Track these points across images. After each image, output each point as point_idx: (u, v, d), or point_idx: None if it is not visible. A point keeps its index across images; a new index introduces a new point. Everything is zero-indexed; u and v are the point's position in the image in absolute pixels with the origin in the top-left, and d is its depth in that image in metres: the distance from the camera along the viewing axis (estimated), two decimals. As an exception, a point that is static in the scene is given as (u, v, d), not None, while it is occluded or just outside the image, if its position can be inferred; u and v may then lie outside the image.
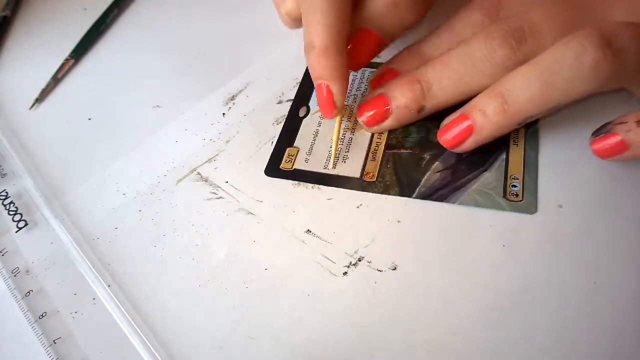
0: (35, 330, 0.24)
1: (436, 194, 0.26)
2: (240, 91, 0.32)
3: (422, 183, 0.26)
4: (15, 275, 0.26)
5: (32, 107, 0.33)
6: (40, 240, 0.27)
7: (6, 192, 0.29)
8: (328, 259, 0.25)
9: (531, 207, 0.25)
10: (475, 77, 0.25)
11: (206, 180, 0.29)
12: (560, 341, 0.22)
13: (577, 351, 0.21)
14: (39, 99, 0.34)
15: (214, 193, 0.28)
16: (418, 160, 0.27)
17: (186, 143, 0.30)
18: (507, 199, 0.25)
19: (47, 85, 0.34)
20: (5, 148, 0.31)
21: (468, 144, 0.25)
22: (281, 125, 0.30)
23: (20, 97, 0.34)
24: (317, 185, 0.27)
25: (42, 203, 0.29)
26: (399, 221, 0.26)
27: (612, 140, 0.23)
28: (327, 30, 0.25)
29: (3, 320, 0.25)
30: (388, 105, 0.27)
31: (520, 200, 0.25)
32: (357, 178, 0.27)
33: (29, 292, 0.25)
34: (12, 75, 0.35)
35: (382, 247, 0.25)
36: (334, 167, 0.28)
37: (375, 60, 0.31)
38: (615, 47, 0.22)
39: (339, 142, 0.28)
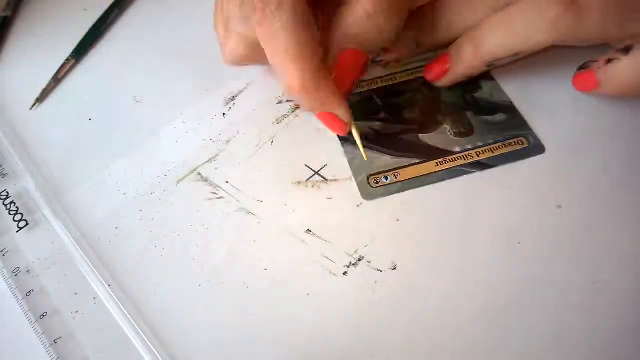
0: (36, 330, 0.24)
1: None
2: (241, 91, 0.32)
3: None
4: (16, 275, 0.26)
5: (32, 107, 0.33)
6: (41, 240, 0.27)
7: (7, 192, 0.29)
8: (328, 258, 0.25)
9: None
10: (469, 17, 0.27)
11: (206, 180, 0.29)
12: (560, 341, 0.22)
13: (577, 351, 0.21)
14: (40, 99, 0.34)
15: (214, 193, 0.28)
16: None
17: (186, 143, 0.30)
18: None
19: (48, 86, 0.34)
20: (6, 148, 0.31)
21: (446, 80, 0.29)
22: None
23: (20, 97, 0.34)
24: (317, 184, 0.28)
25: (42, 203, 0.29)
26: (398, 220, 0.26)
27: (586, 75, 0.27)
28: (301, 68, 0.24)
29: (4, 320, 0.25)
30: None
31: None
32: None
33: (29, 291, 0.26)
34: (12, 75, 0.35)
35: (382, 246, 0.25)
36: (366, 159, 0.28)
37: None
38: (578, 5, 0.24)
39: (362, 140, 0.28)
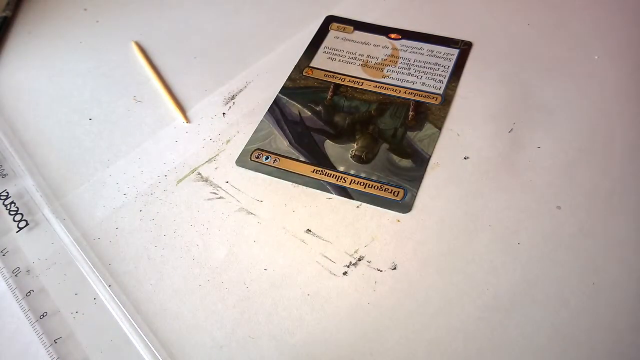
0: (36, 330, 0.24)
1: None
2: (241, 90, 0.32)
3: None
4: (16, 275, 0.26)
5: (33, 107, 0.33)
6: (41, 240, 0.27)
7: (7, 192, 0.29)
8: (328, 258, 0.25)
9: None
10: None
11: (206, 180, 0.29)
12: (559, 341, 0.22)
13: (577, 351, 0.21)
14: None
15: (214, 193, 0.28)
16: None
17: (186, 143, 0.30)
18: None
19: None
20: (6, 148, 0.31)
21: None
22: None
23: (20, 97, 0.34)
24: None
25: (43, 203, 0.29)
26: (398, 220, 0.26)
27: None
28: None
29: (4, 320, 0.25)
30: None
31: None
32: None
33: (29, 291, 0.26)
34: (12, 75, 0.35)
35: (382, 246, 0.25)
36: None
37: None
38: None
39: None
